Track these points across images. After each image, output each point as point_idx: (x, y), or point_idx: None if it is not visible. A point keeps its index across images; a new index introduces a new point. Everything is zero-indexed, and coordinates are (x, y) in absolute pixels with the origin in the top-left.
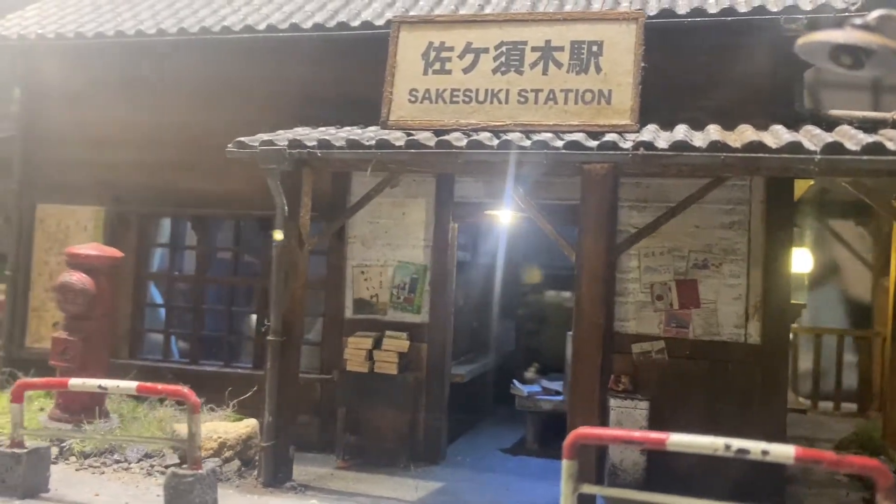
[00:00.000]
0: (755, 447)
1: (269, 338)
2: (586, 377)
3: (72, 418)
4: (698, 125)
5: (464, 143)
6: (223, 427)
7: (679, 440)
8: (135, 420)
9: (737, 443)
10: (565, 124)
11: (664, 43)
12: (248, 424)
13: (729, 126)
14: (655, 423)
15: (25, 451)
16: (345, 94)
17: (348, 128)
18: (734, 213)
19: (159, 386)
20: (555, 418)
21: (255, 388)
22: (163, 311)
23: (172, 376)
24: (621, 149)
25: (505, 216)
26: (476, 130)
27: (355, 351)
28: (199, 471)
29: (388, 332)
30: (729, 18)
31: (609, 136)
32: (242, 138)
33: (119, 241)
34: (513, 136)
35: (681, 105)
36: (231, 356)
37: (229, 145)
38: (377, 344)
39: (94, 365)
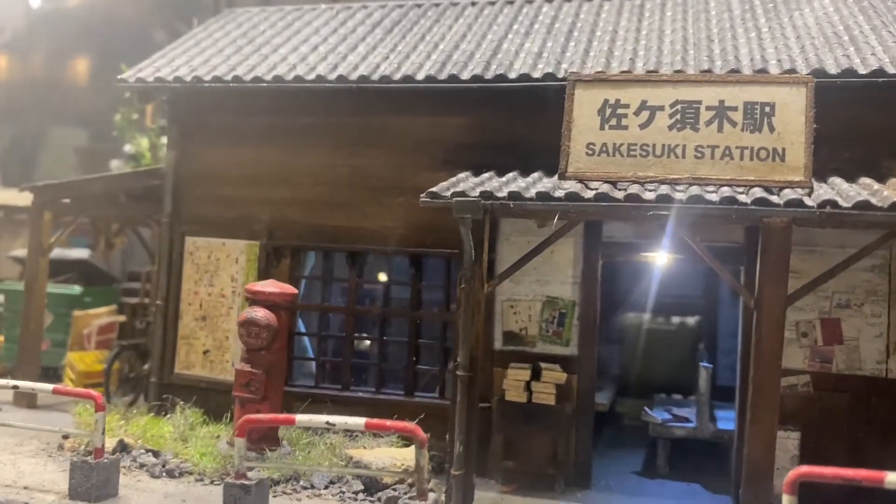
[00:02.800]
0: None
1: (458, 373)
2: (765, 413)
3: (253, 446)
4: (845, 176)
5: (651, 196)
6: (401, 454)
7: None
8: (308, 447)
9: None
10: (742, 179)
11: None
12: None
13: (875, 178)
14: (805, 452)
15: (253, 482)
16: (493, 139)
17: (512, 174)
18: (875, 256)
19: (387, 422)
20: (684, 443)
21: (422, 415)
22: (306, 339)
23: (330, 402)
24: (807, 206)
25: (661, 258)
26: (652, 183)
27: (514, 382)
28: (426, 502)
29: (543, 365)
30: (880, 80)
31: (786, 192)
32: (434, 189)
33: (271, 273)
34: (694, 190)
35: (825, 156)
36: (380, 383)
37: (422, 196)
38: (535, 375)
39: (273, 395)
